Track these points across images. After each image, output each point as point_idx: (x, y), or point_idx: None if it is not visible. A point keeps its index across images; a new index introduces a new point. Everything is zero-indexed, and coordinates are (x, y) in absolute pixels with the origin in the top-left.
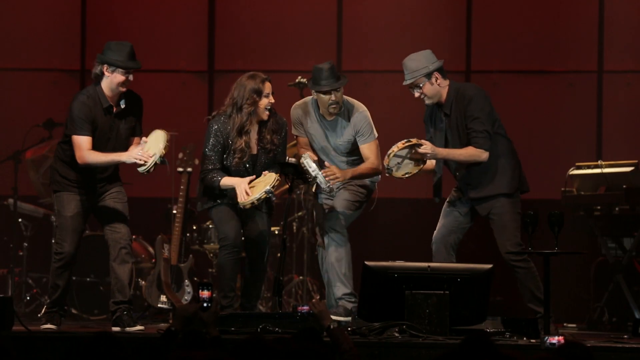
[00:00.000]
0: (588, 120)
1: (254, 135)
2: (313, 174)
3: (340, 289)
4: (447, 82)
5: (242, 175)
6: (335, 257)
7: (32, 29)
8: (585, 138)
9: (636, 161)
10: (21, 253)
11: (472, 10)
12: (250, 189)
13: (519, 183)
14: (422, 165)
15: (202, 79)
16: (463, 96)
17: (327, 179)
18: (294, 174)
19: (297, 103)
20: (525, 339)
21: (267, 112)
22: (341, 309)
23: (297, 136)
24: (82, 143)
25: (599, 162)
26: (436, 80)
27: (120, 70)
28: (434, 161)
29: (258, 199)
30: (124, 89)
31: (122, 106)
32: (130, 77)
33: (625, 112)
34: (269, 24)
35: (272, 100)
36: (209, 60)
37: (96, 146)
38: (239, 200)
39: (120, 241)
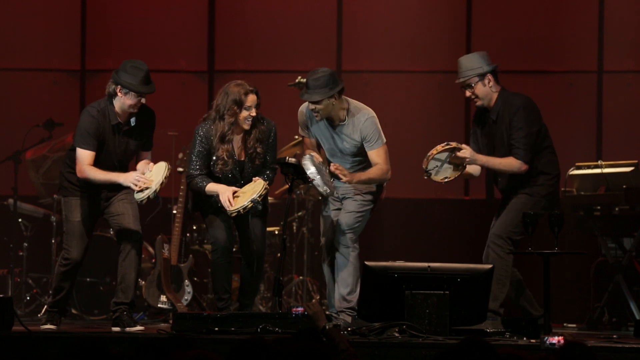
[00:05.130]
0: (588, 120)
1: (238, 143)
2: (311, 176)
3: (343, 304)
4: (498, 88)
5: (230, 182)
6: (344, 278)
7: (32, 29)
8: (585, 138)
9: (636, 161)
10: (21, 253)
11: (472, 10)
12: (238, 197)
13: (549, 202)
14: (461, 171)
15: (202, 79)
16: (511, 105)
17: (338, 174)
18: (294, 174)
19: (304, 104)
20: (525, 339)
21: (248, 123)
22: (341, 321)
23: (303, 137)
24: (84, 157)
25: (599, 162)
26: (488, 83)
27: (132, 94)
28: (477, 167)
29: (244, 208)
30: (134, 111)
31: (132, 124)
32: (143, 100)
33: (625, 112)
34: (269, 23)
35: (253, 114)
36: (209, 60)
37: (103, 161)
38: (225, 207)
39: (130, 242)
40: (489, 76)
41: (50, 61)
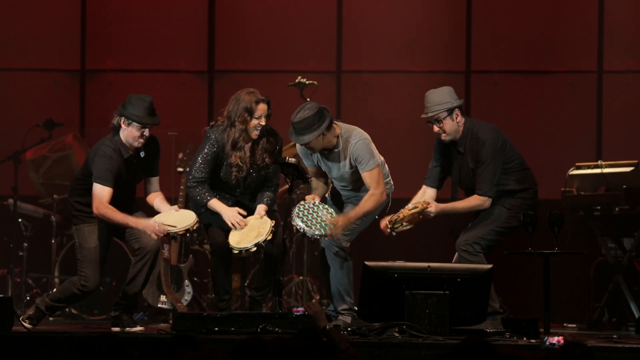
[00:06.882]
0: (588, 120)
1: (247, 152)
2: (302, 231)
3: (340, 304)
4: (463, 120)
5: (232, 189)
6: (337, 277)
7: (32, 29)
8: (585, 138)
9: (636, 161)
10: (21, 253)
11: (472, 10)
12: (243, 232)
13: (524, 205)
14: (421, 219)
15: (202, 79)
16: (476, 139)
17: (329, 232)
18: (294, 174)
19: None
20: (525, 339)
21: (256, 132)
22: (340, 322)
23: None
24: (104, 195)
25: (599, 162)
26: (456, 118)
27: (136, 125)
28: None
29: (246, 250)
30: (139, 145)
31: (142, 156)
32: (146, 132)
33: (625, 112)
34: (269, 24)
35: (263, 123)
36: (209, 60)
37: (114, 190)
38: (234, 226)
39: (148, 249)
40: (457, 111)
41: (50, 61)
